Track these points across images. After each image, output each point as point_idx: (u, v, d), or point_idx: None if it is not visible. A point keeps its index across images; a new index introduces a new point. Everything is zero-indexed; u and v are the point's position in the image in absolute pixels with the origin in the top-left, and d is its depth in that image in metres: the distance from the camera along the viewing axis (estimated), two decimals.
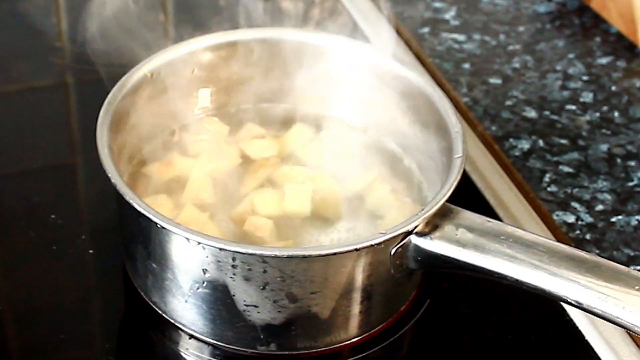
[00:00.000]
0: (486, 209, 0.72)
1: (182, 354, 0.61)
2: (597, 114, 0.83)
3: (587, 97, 0.85)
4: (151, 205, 0.56)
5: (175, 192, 0.65)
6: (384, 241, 0.55)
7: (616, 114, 0.83)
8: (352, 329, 0.60)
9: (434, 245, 0.57)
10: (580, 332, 0.64)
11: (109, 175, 0.57)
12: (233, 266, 0.55)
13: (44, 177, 0.74)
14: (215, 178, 0.66)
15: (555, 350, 0.63)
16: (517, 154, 0.78)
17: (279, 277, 0.55)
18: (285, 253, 0.54)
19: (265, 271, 0.55)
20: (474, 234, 0.56)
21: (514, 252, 0.55)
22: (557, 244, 0.55)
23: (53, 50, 0.87)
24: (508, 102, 0.83)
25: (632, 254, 0.70)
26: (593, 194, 0.74)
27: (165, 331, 0.61)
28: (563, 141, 0.79)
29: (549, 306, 0.64)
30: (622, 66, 0.88)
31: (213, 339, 0.60)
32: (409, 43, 0.90)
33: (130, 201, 0.56)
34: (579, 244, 0.70)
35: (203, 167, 0.66)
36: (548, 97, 0.84)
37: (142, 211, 0.55)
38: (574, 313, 0.65)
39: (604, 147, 0.79)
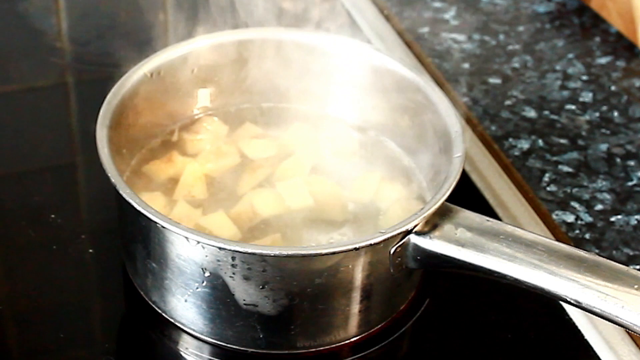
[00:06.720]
0: (485, 209, 0.72)
1: (181, 353, 0.61)
2: (597, 114, 0.83)
3: (587, 96, 0.85)
4: (145, 202, 0.56)
5: (172, 191, 0.65)
6: (383, 240, 0.55)
7: (616, 113, 0.83)
8: (351, 328, 0.60)
9: (433, 244, 0.57)
10: (579, 331, 0.64)
11: (109, 174, 0.57)
12: (232, 265, 0.55)
13: (44, 177, 0.74)
14: (214, 177, 0.66)
15: (554, 350, 0.63)
16: (516, 153, 0.78)
17: (279, 276, 0.55)
18: (284, 252, 0.54)
19: (264, 270, 0.55)
20: (473, 233, 0.56)
21: (513, 251, 0.55)
22: (557, 243, 0.55)
23: (53, 50, 0.87)
24: (507, 102, 0.83)
25: (631, 253, 0.70)
26: (592, 193, 0.74)
27: (165, 330, 0.61)
28: (562, 141, 0.80)
29: (548, 306, 0.64)
30: (621, 66, 0.88)
31: (213, 338, 0.60)
32: (409, 43, 0.90)
33: (130, 200, 0.56)
34: (578, 243, 0.70)
35: (200, 166, 0.67)
36: (547, 97, 0.84)
37: (142, 210, 0.55)
38: (573, 312, 0.65)
39: (604, 146, 0.79)
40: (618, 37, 0.92)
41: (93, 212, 0.71)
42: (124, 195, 0.56)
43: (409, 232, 0.56)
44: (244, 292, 0.56)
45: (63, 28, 0.91)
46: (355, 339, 0.61)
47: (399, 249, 0.57)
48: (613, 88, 0.86)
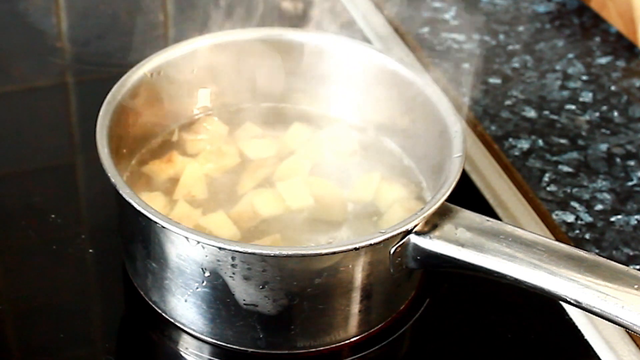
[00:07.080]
0: (485, 209, 0.72)
1: (181, 353, 0.61)
2: (597, 114, 0.83)
3: (587, 96, 0.85)
4: (145, 202, 0.56)
5: (172, 191, 0.65)
6: (383, 240, 0.55)
7: (615, 113, 0.83)
8: (351, 329, 0.60)
9: (433, 244, 0.57)
10: (579, 331, 0.64)
11: (109, 174, 0.57)
12: (232, 265, 0.55)
13: (44, 177, 0.74)
14: (214, 177, 0.66)
15: (554, 350, 0.63)
16: (516, 153, 0.78)
17: (279, 276, 0.55)
18: (284, 252, 0.54)
19: (264, 270, 0.55)
20: (473, 233, 0.56)
21: (513, 251, 0.55)
22: (557, 243, 0.55)
23: (53, 50, 0.87)
24: (507, 102, 0.83)
25: (631, 253, 0.70)
26: (592, 193, 0.74)
27: (165, 330, 0.61)
28: (562, 141, 0.80)
29: (548, 306, 0.64)
30: (621, 66, 0.88)
31: (213, 338, 0.60)
32: (409, 43, 0.90)
33: (130, 200, 0.56)
34: (578, 243, 0.70)
35: (200, 166, 0.67)
36: (547, 97, 0.84)
37: (142, 210, 0.55)
38: (573, 312, 0.65)
39: (604, 146, 0.79)
40: (618, 37, 0.92)
41: (93, 212, 0.71)
42: (124, 195, 0.56)
43: (409, 232, 0.56)
44: (244, 292, 0.56)
45: (63, 28, 0.91)
46: (355, 339, 0.61)
47: (399, 249, 0.57)
48: (613, 88, 0.86)
